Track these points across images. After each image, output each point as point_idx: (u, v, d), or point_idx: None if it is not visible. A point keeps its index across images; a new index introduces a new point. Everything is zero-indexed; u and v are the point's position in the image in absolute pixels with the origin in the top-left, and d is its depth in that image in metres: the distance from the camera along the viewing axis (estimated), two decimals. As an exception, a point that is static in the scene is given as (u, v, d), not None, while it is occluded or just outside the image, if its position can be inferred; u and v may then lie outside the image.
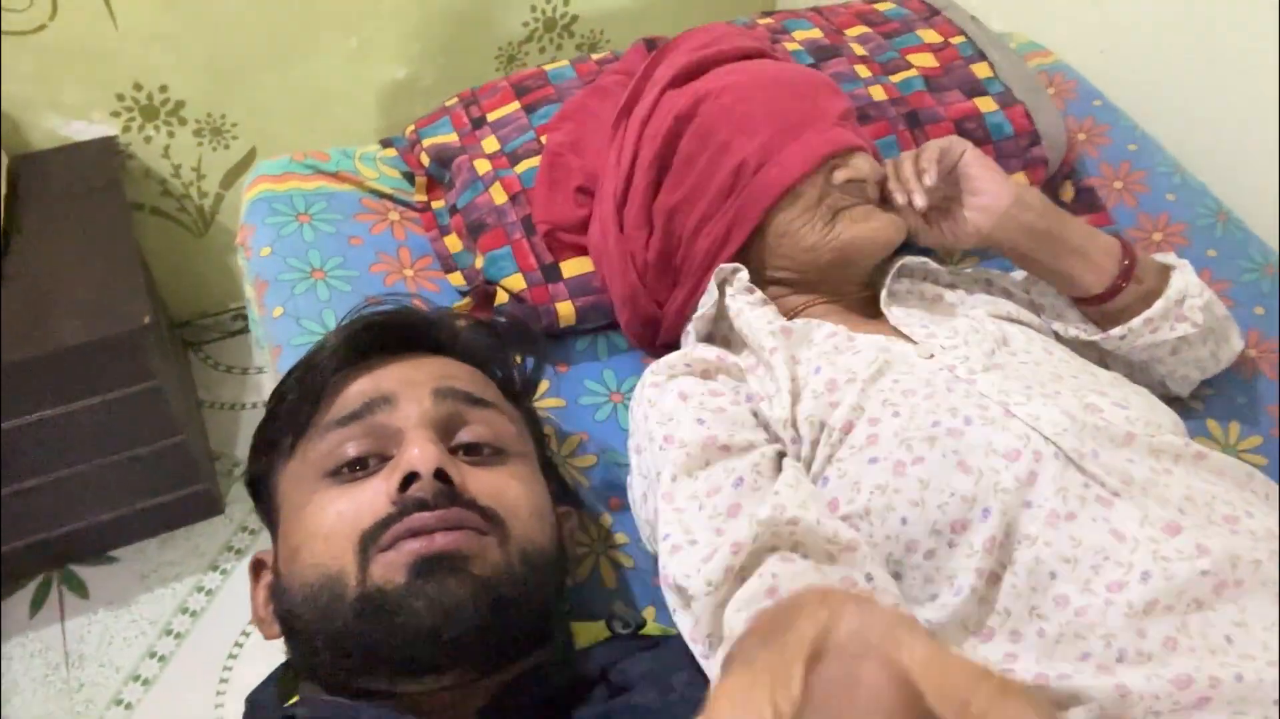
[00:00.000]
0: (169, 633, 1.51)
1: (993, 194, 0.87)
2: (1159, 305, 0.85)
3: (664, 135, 0.89)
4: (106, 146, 1.55)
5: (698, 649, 0.66)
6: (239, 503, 1.66)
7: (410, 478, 0.64)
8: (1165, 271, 0.88)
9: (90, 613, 1.52)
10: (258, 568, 0.75)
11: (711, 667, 0.65)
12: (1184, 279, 0.87)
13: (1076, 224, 0.88)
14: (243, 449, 1.74)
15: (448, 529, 0.62)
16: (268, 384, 1.81)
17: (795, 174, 0.85)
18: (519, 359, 0.83)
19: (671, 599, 0.69)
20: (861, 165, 0.87)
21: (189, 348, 1.88)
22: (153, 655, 1.48)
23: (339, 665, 0.63)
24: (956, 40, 1.16)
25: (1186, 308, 0.86)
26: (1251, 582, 0.65)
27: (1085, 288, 0.87)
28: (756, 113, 0.87)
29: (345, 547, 0.63)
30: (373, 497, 0.64)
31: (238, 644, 1.50)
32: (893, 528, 0.71)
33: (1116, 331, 0.87)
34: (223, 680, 1.46)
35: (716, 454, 0.74)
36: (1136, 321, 0.86)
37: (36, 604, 1.53)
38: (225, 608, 1.54)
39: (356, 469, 0.67)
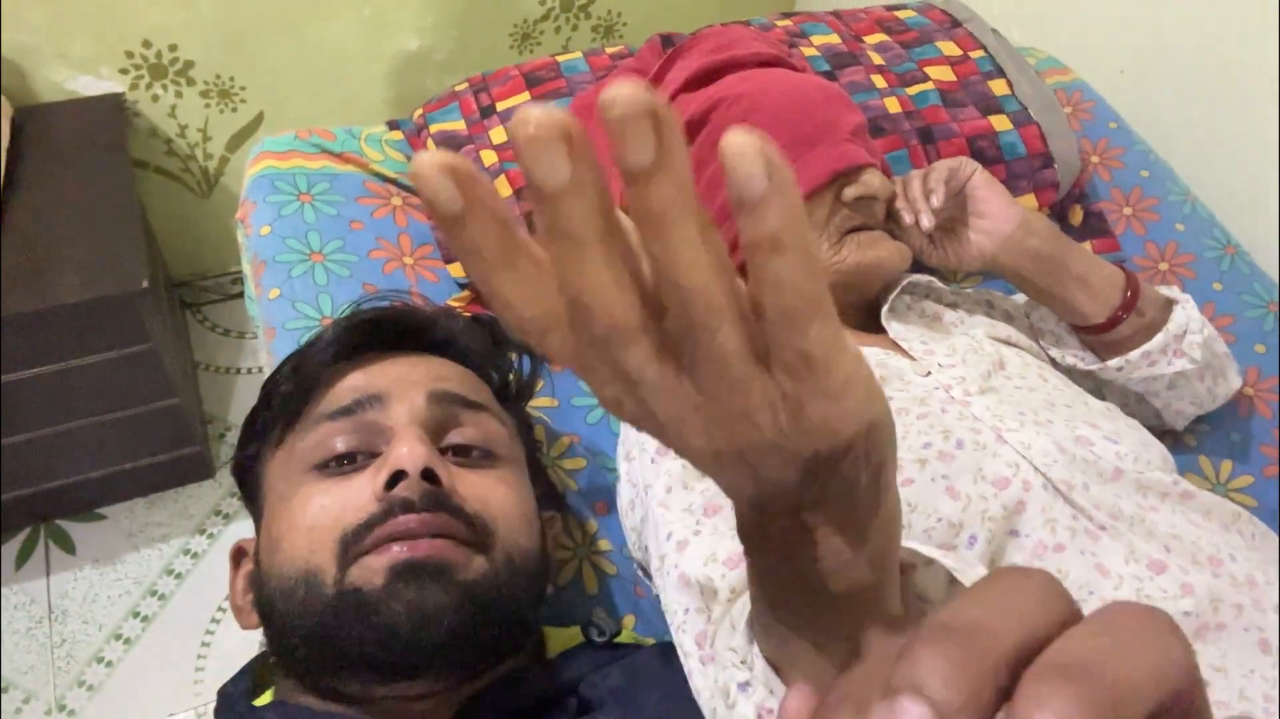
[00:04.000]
0: (153, 593, 1.51)
1: (999, 217, 0.86)
2: (1158, 339, 0.85)
3: None
4: (113, 103, 1.54)
5: (703, 650, 0.64)
6: (229, 467, 1.67)
7: (397, 476, 0.64)
8: (1168, 305, 0.88)
9: (76, 569, 1.53)
10: (238, 556, 0.75)
11: (706, 670, 0.63)
12: (1186, 314, 0.87)
13: (1081, 252, 0.87)
14: (236, 413, 1.74)
15: (432, 536, 0.62)
16: (264, 349, 1.81)
17: (805, 189, 0.84)
18: (514, 359, 0.82)
19: (682, 598, 0.66)
20: (872, 182, 0.86)
21: (187, 309, 1.88)
22: (136, 615, 1.49)
23: (313, 662, 0.63)
24: (976, 54, 1.15)
25: (1186, 344, 0.86)
26: (1233, 626, 0.65)
27: (1086, 316, 0.86)
28: (768, 124, 0.86)
29: (325, 543, 0.62)
30: (358, 493, 0.64)
31: (221, 609, 1.50)
32: None
33: (1114, 363, 0.86)
34: (204, 644, 1.47)
35: None
36: (1135, 354, 0.85)
37: (23, 557, 1.53)
38: (210, 572, 1.55)
39: (344, 464, 0.67)
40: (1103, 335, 0.87)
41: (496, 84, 1.09)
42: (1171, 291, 0.90)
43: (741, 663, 0.54)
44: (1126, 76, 1.28)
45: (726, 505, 0.70)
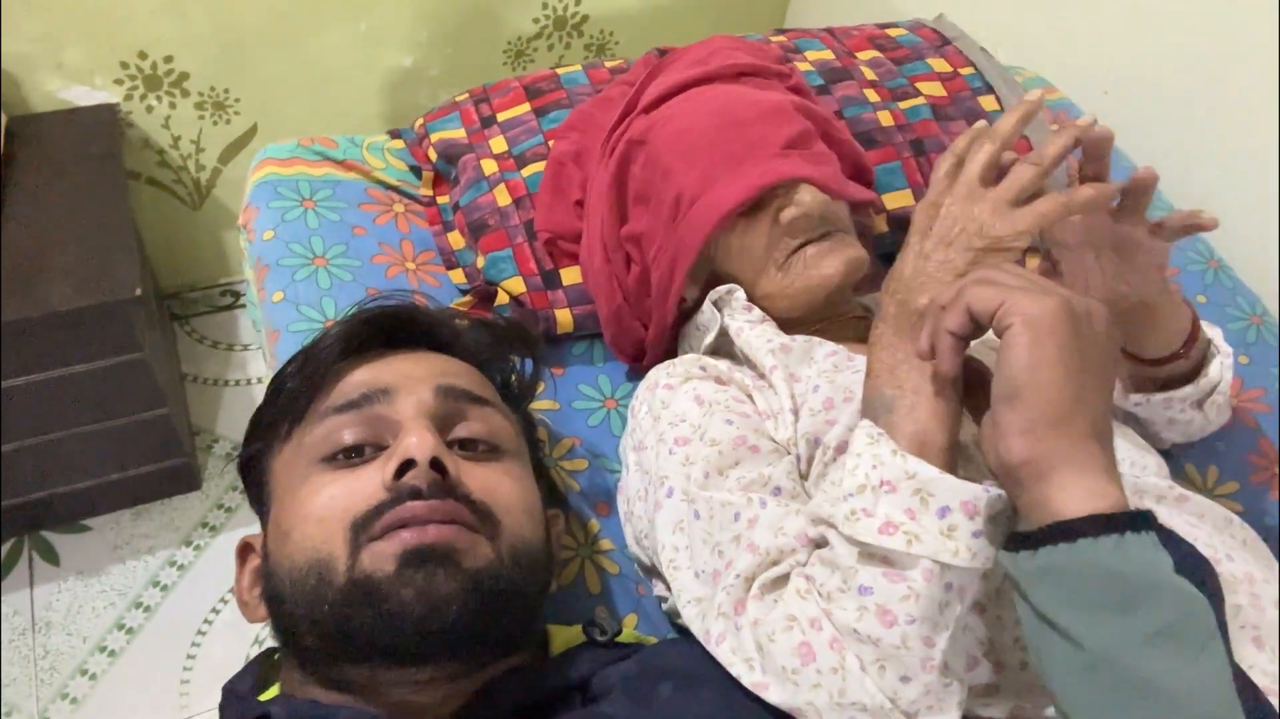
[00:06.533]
0: (138, 606, 1.50)
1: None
2: (1188, 390, 0.83)
3: (618, 162, 0.89)
4: (107, 113, 1.54)
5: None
6: (216, 479, 1.66)
7: (406, 466, 0.64)
8: (1206, 349, 0.84)
9: (60, 580, 1.51)
10: (244, 551, 0.75)
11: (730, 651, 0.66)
12: (1220, 371, 0.83)
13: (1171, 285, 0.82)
14: (224, 425, 1.73)
15: (440, 522, 0.63)
16: (253, 361, 1.81)
17: (728, 206, 0.83)
18: (517, 361, 0.83)
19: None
20: (804, 199, 0.84)
21: (176, 320, 1.87)
22: (121, 628, 1.47)
23: (322, 651, 0.64)
24: (965, 71, 1.17)
25: (1208, 403, 0.84)
26: (1230, 625, 0.66)
27: (1145, 348, 0.82)
28: (699, 142, 0.86)
29: (336, 531, 0.63)
30: (366, 483, 0.65)
31: (207, 621, 1.49)
32: None
33: (1135, 398, 0.85)
34: (190, 657, 1.45)
35: (747, 453, 0.74)
36: (1157, 398, 0.84)
37: (7, 568, 1.52)
38: (196, 584, 1.54)
39: (352, 456, 0.68)
40: (1146, 369, 0.83)
41: (497, 95, 1.11)
42: (1214, 334, 0.86)
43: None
44: (1110, 96, 1.31)
45: (766, 489, 0.71)
